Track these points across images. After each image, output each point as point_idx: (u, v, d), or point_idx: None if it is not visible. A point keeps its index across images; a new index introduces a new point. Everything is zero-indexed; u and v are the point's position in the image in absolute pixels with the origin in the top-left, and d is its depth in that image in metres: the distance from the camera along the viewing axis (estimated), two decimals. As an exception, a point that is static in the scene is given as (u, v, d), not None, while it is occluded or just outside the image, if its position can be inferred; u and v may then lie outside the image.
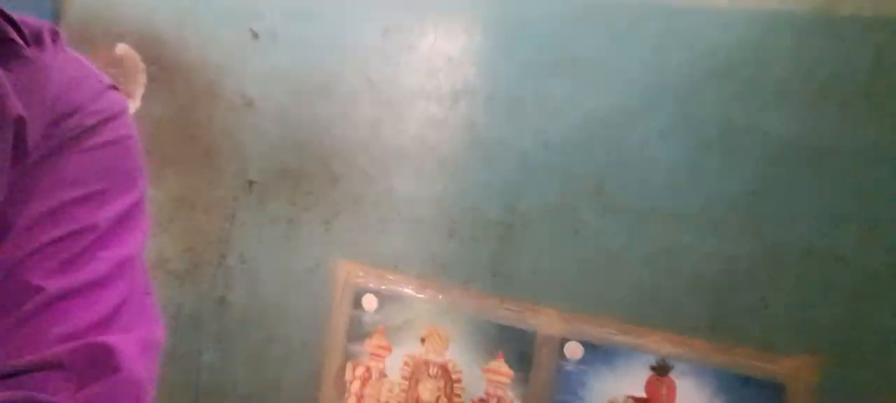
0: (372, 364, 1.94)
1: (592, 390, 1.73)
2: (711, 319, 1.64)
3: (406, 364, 1.91)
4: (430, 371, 1.89)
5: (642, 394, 1.69)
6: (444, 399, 1.87)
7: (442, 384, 1.87)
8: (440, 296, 1.88)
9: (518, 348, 1.80)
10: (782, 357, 1.58)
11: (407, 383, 1.91)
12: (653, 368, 1.69)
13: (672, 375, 1.67)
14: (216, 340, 2.08)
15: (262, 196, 2.05)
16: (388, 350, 1.92)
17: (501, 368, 1.82)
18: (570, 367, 1.75)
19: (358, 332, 1.95)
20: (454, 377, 1.86)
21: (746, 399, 1.60)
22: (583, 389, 1.74)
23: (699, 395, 1.64)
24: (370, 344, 1.94)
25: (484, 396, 1.82)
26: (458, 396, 1.85)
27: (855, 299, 1.54)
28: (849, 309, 1.54)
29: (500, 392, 1.81)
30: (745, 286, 1.62)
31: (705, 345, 1.64)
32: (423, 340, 1.90)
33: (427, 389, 1.89)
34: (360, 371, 1.95)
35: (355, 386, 1.94)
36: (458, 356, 1.86)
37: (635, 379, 1.70)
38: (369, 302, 1.94)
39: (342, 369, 1.96)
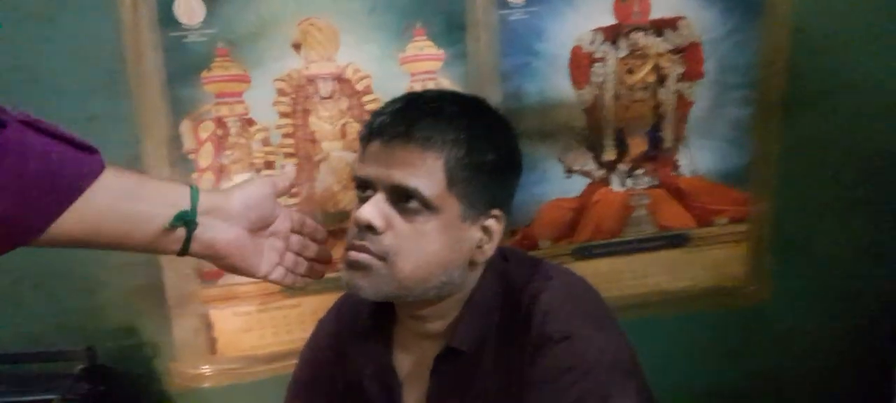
0: (223, 111, 1.20)
1: (551, 37, 1.27)
2: None
3: (281, 93, 1.21)
4: (322, 91, 1.23)
5: (612, 19, 1.28)
6: (354, 125, 1.25)
7: (344, 104, 1.24)
8: (305, -32, 1.17)
9: (442, 14, 1.23)
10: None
11: (289, 121, 1.23)
12: (619, -19, 1.27)
13: (642, -18, 1.28)
14: None
15: None
16: (244, 80, 1.20)
17: (425, 49, 1.24)
18: (516, 16, 1.25)
19: (183, 68, 1.17)
20: (359, 87, 1.24)
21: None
22: (539, 39, 1.27)
23: (676, -4, 1.29)
24: (210, 80, 1.18)
25: (410, 98, 1.24)
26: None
27: None
28: None
29: (430, 85, 1.25)
30: None
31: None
32: (297, 47, 1.20)
33: (323, 119, 1.24)
34: (206, 128, 1.20)
35: (205, 155, 1.20)
36: (356, 54, 1.22)
37: (599, 5, 1.27)
38: (187, 7, 1.15)
39: (175, 138, 1.19)
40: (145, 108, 1.16)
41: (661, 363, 1.18)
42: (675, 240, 1.41)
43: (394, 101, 0.79)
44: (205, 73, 1.17)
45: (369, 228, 0.74)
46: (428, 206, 0.74)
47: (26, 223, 0.51)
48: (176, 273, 1.22)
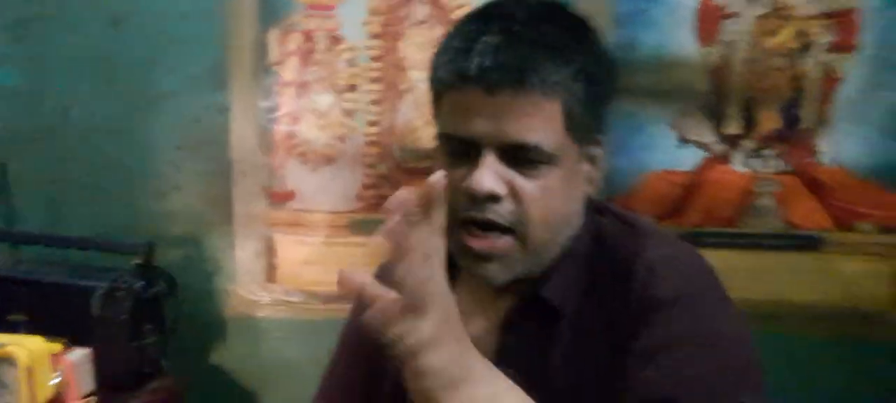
0: (312, 24, 1.15)
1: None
2: None
3: (372, 13, 1.15)
4: (417, 14, 1.15)
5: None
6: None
7: (438, 32, 1.15)
8: None
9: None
10: None
11: (379, 42, 1.16)
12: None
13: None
14: None
15: None
16: (338, -6, 1.14)
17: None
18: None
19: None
20: (455, 16, 1.14)
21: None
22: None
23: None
24: (304, -9, 1.14)
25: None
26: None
27: None
28: None
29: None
30: None
31: None
32: (396, -36, 1.14)
33: (414, 44, 1.16)
34: (293, 40, 1.15)
35: (290, 68, 1.16)
36: (458, -21, 1.14)
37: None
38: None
39: (261, 45, 1.15)
40: (235, 8, 1.13)
41: (773, 391, 0.98)
42: (806, 242, 1.19)
43: (475, 29, 0.63)
44: (296, -16, 1.13)
45: (491, 198, 0.62)
46: (549, 160, 0.62)
47: None
48: (246, 189, 1.18)
